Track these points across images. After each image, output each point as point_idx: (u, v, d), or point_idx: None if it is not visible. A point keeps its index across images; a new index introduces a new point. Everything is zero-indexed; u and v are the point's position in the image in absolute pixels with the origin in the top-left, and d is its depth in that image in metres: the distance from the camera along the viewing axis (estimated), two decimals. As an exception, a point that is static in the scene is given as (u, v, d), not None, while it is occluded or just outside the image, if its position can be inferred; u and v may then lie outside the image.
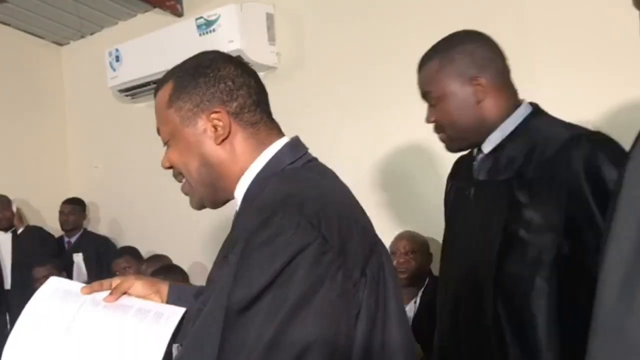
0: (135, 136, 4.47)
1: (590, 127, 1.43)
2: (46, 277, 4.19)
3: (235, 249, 0.89)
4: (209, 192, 1.06)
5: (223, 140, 1.01)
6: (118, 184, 4.62)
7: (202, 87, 1.01)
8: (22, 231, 4.31)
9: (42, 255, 4.00)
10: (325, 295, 0.83)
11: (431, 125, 1.51)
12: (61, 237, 4.49)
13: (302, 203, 0.89)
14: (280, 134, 1.06)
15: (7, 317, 4.06)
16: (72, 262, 4.28)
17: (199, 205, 1.09)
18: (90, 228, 4.64)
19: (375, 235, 1.00)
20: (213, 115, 1.00)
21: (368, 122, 3.26)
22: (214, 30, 3.52)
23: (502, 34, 1.52)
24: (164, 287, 1.21)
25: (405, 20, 3.15)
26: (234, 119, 1.01)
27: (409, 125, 3.14)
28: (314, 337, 0.82)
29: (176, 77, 1.04)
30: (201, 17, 3.60)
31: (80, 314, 1.09)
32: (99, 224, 4.80)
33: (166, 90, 1.05)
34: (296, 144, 1.05)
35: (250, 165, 1.01)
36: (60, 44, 4.97)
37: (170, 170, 1.09)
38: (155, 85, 1.09)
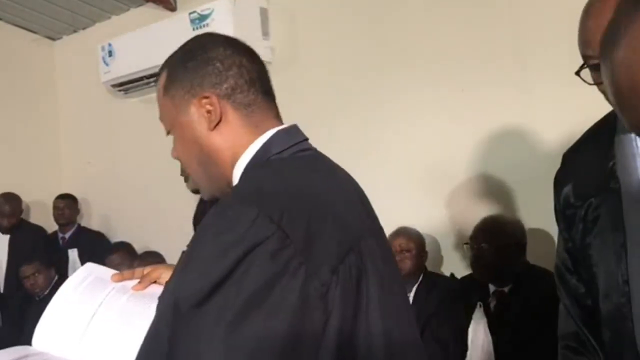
0: (129, 131, 4.44)
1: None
2: (34, 275, 4.14)
3: (188, 243, 0.84)
4: (210, 185, 1.03)
5: (216, 125, 0.97)
6: (111, 180, 4.59)
7: (191, 71, 0.98)
8: (17, 231, 4.26)
9: (32, 253, 3.98)
10: (282, 293, 0.76)
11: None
12: (55, 233, 4.47)
13: (266, 196, 0.83)
14: (277, 117, 1.02)
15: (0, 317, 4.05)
16: (67, 258, 4.26)
17: (195, 190, 1.05)
18: (82, 224, 4.62)
19: (362, 232, 0.90)
20: (204, 101, 0.97)
21: (362, 117, 3.25)
22: (207, 24, 3.50)
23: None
24: None
25: (399, 14, 3.14)
26: (226, 102, 0.97)
27: (404, 120, 3.14)
28: (267, 338, 0.75)
29: (169, 65, 1.03)
30: (194, 12, 3.58)
31: (106, 302, 1.06)
32: (91, 220, 4.77)
33: (162, 79, 1.03)
34: (289, 132, 0.99)
35: (243, 153, 0.97)
36: (53, 39, 4.94)
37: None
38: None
